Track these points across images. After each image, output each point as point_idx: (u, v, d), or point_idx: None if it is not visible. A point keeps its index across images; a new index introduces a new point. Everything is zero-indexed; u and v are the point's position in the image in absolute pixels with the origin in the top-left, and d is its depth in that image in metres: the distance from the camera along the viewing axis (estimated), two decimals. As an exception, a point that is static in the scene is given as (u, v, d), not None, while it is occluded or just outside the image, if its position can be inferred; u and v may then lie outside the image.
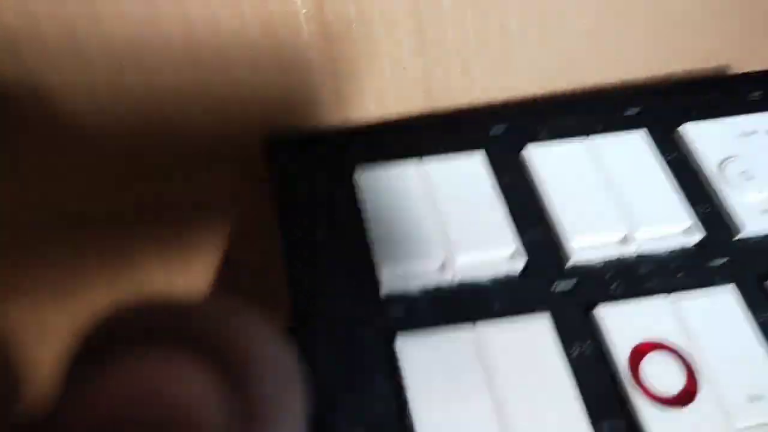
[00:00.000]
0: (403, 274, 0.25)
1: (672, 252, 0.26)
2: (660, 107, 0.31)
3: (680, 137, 0.30)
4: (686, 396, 0.23)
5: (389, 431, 0.22)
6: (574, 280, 0.25)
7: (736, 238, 0.27)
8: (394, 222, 0.26)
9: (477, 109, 0.32)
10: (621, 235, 0.26)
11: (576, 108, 0.31)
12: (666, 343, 0.24)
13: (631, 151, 0.29)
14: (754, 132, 0.30)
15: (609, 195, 0.27)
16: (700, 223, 0.27)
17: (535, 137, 0.29)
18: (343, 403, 0.22)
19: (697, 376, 0.23)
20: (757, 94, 0.32)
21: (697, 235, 0.27)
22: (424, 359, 0.23)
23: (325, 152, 0.29)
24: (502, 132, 0.30)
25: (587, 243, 0.26)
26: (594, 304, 0.25)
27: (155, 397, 0.10)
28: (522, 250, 0.26)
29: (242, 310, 0.12)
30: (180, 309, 0.12)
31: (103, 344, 0.11)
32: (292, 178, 0.28)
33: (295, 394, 0.12)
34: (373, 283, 0.25)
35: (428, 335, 0.24)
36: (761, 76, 0.33)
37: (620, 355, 0.23)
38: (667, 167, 0.28)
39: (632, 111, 0.31)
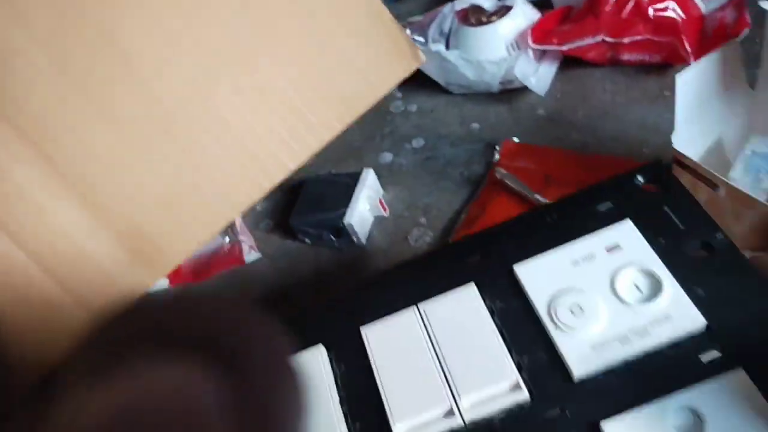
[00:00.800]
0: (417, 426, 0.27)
1: (501, 412, 0.26)
2: (495, 251, 0.31)
3: (512, 279, 0.30)
4: None
5: None
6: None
7: (569, 382, 0.26)
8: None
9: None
10: (445, 409, 0.27)
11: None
12: None
13: (461, 308, 0.29)
14: (591, 256, 0.29)
15: (435, 365, 0.28)
16: (526, 377, 0.27)
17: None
18: None
19: None
20: (605, 207, 0.31)
21: (524, 392, 0.26)
22: None
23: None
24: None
25: (410, 426, 0.27)
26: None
27: (166, 402, 0.11)
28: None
29: (251, 309, 0.13)
30: (192, 306, 0.12)
31: (115, 342, 0.12)
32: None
33: (300, 408, 0.12)
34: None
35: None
36: (606, 185, 0.32)
37: None
38: (491, 319, 0.28)
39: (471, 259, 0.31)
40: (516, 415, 0.26)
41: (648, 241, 0.29)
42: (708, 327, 0.26)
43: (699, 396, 0.24)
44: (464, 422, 0.26)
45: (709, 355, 0.25)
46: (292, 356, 0.13)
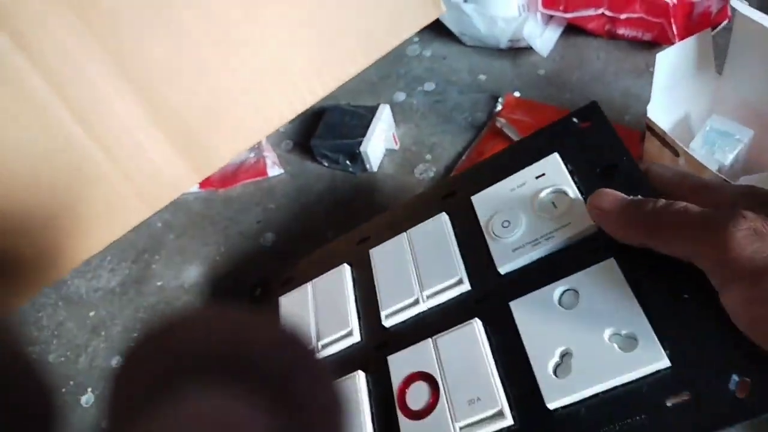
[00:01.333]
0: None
1: (450, 300, 0.37)
2: (463, 187, 0.41)
3: (471, 207, 0.40)
4: (429, 408, 0.34)
5: None
6: (385, 339, 0.38)
7: (497, 275, 0.36)
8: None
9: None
10: (413, 299, 0.38)
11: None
12: (425, 371, 0.35)
13: (435, 229, 0.40)
14: (522, 184, 0.38)
15: (411, 269, 0.39)
16: (469, 272, 0.37)
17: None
18: None
19: (440, 392, 0.34)
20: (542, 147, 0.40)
21: (466, 285, 0.37)
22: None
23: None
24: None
25: (393, 310, 0.39)
26: (391, 353, 0.37)
27: None
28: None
29: (290, 331, 0.12)
30: (229, 328, 0.12)
31: (154, 374, 0.11)
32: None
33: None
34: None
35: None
36: (540, 133, 0.40)
37: (396, 384, 0.36)
38: (453, 234, 0.39)
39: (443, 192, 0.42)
40: (458, 300, 0.37)
41: (568, 168, 0.37)
42: (599, 229, 0.34)
43: (579, 279, 0.33)
44: (425, 308, 0.38)
45: (593, 250, 0.34)
46: (335, 381, 0.13)
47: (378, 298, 0.40)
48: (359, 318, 0.40)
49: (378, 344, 0.39)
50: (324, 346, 0.40)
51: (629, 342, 0.30)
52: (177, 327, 0.12)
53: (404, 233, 0.42)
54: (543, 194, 0.37)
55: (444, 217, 0.40)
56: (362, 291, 0.41)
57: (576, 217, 0.35)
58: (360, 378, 0.37)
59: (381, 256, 0.42)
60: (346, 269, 0.43)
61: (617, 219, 0.32)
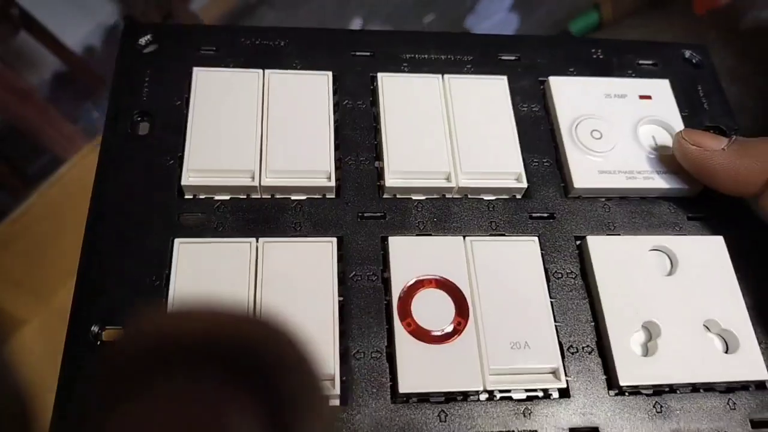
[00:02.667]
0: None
1: (495, 198, 0.26)
2: (537, 57, 0.30)
3: (547, 89, 0.29)
4: (446, 334, 0.23)
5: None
6: (384, 209, 0.25)
7: (566, 195, 0.27)
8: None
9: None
10: (446, 172, 0.26)
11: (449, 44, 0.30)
12: (451, 281, 0.24)
13: (489, 93, 0.28)
14: (623, 95, 0.29)
15: (447, 131, 0.27)
16: (529, 173, 0.27)
17: (398, 68, 0.29)
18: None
19: (469, 318, 0.23)
20: (646, 62, 0.31)
21: (522, 185, 0.26)
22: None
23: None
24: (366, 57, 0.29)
25: (406, 176, 0.26)
26: (393, 235, 0.25)
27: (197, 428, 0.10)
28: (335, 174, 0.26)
29: (281, 328, 0.12)
30: (226, 327, 0.11)
31: (147, 361, 0.11)
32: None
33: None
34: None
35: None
36: (648, 46, 0.31)
37: (398, 287, 0.23)
38: (512, 115, 0.28)
39: (508, 56, 0.30)
40: (508, 202, 0.26)
41: (677, 106, 0.29)
42: (704, 191, 0.27)
43: (680, 244, 0.25)
44: (457, 187, 0.26)
45: (698, 218, 0.27)
46: (322, 382, 0.12)
47: (382, 146, 0.26)
48: (338, 158, 0.26)
49: (369, 214, 0.25)
50: (278, 184, 0.25)
51: (726, 339, 0.24)
52: (171, 317, 0.11)
53: (439, 76, 0.28)
54: (647, 122, 0.28)
55: (503, 83, 0.29)
56: (351, 121, 0.27)
57: (678, 168, 0.27)
58: (332, 248, 0.24)
59: (395, 91, 0.28)
60: (326, 78, 0.28)
61: (729, 158, 0.25)
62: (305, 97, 0.27)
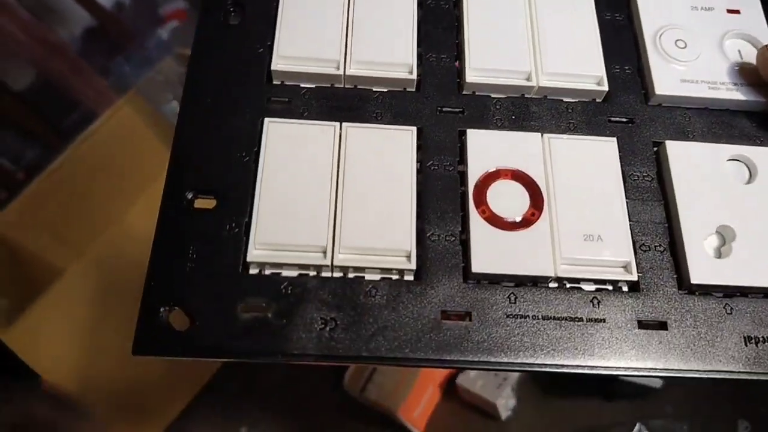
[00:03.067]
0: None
1: (574, 100, 0.26)
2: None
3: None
4: (519, 222, 0.23)
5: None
6: (463, 105, 0.26)
7: (646, 101, 0.26)
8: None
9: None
10: (527, 72, 0.26)
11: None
12: (524, 171, 0.24)
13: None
14: (710, 8, 0.28)
15: (529, 32, 0.27)
16: (610, 79, 0.26)
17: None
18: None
19: (543, 209, 0.24)
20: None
21: (603, 88, 0.26)
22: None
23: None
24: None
25: (487, 73, 0.26)
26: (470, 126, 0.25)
27: None
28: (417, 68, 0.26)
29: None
30: None
31: None
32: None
33: None
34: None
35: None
36: None
37: (475, 176, 0.24)
38: (596, 21, 0.27)
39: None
40: (588, 105, 0.26)
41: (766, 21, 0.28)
42: (788, 109, 0.26)
43: (759, 153, 0.25)
44: (537, 86, 0.26)
45: (779, 130, 0.26)
46: None
47: (464, 44, 0.27)
48: (420, 54, 0.27)
49: (448, 108, 0.26)
50: (357, 74, 0.26)
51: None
52: None
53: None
54: (734, 35, 0.28)
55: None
56: (434, 19, 0.28)
57: (763, 82, 0.27)
58: (412, 136, 0.25)
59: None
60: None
61: None
62: (388, -5, 0.27)
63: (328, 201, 0.23)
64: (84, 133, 0.49)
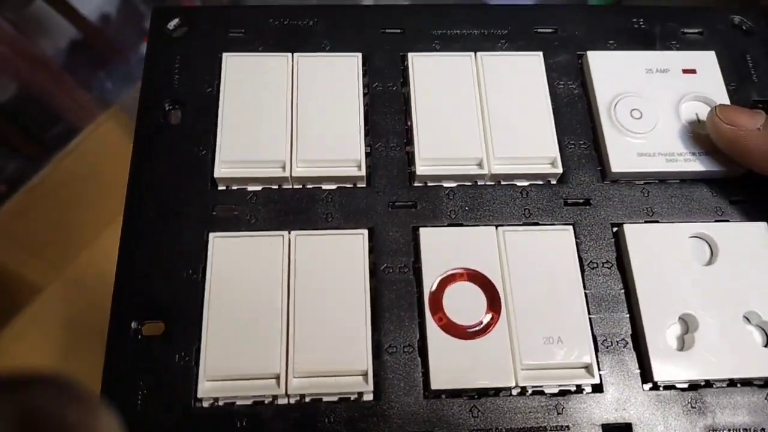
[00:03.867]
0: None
1: (528, 183, 0.26)
2: (576, 29, 0.29)
3: (585, 64, 0.28)
4: (479, 329, 0.23)
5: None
6: (415, 198, 0.25)
7: (603, 179, 0.26)
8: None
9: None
10: (478, 158, 0.25)
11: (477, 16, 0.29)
12: (484, 274, 0.24)
13: (524, 72, 0.27)
14: (665, 70, 0.28)
15: (479, 115, 0.26)
16: (565, 158, 0.26)
17: (430, 45, 0.28)
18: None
19: (501, 312, 0.23)
20: (691, 31, 0.29)
21: (557, 170, 0.25)
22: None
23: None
24: (395, 34, 0.28)
25: (437, 163, 0.25)
26: (423, 225, 0.24)
27: None
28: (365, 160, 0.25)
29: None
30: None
31: None
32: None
33: None
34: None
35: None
36: (693, 13, 0.29)
37: (430, 280, 0.23)
38: (548, 97, 0.27)
39: (544, 29, 0.29)
40: (542, 188, 0.25)
41: (723, 80, 0.28)
42: (743, 174, 0.26)
43: (720, 231, 0.25)
44: (489, 173, 0.25)
45: (740, 201, 0.26)
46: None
47: (413, 131, 0.26)
48: (369, 144, 0.26)
49: (400, 203, 0.25)
50: (301, 174, 0.25)
51: (767, 331, 0.24)
52: None
53: (471, 54, 0.27)
54: (690, 98, 0.27)
55: (539, 59, 0.27)
56: (381, 105, 0.27)
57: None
58: (363, 240, 0.24)
59: (425, 72, 0.27)
60: (356, 59, 0.27)
61: (764, 139, 0.24)
62: (335, 80, 0.26)
63: (279, 322, 0.22)
64: (66, 149, 0.48)
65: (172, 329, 0.23)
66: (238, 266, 0.23)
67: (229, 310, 0.23)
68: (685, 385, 0.23)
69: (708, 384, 0.23)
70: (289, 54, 0.27)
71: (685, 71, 0.27)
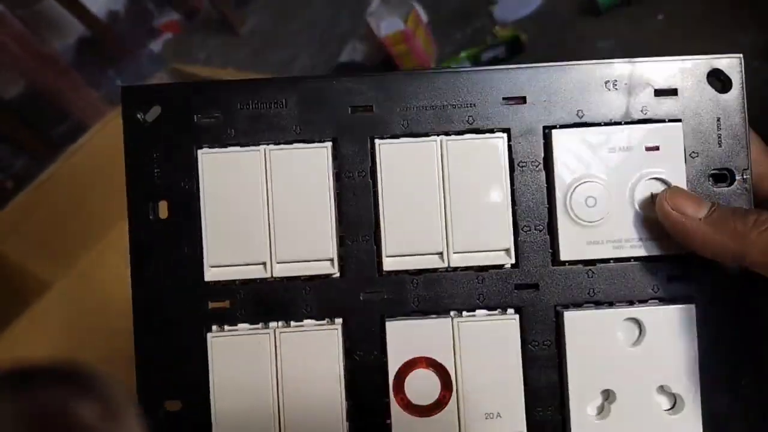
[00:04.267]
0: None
1: (484, 272, 0.29)
2: (543, 93, 0.28)
3: (549, 141, 0.28)
4: (432, 407, 0.28)
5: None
6: (383, 290, 0.28)
7: (553, 263, 0.29)
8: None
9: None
10: (437, 250, 0.28)
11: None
12: (435, 359, 0.28)
13: (486, 156, 0.28)
14: (628, 148, 0.28)
15: (441, 208, 0.28)
16: (519, 243, 0.28)
17: (400, 124, 0.28)
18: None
19: (452, 392, 0.28)
20: (665, 88, 0.29)
21: (510, 260, 0.28)
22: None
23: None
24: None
25: (403, 257, 0.28)
26: (391, 317, 0.28)
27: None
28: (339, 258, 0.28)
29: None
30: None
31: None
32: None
33: None
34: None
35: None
36: (669, 67, 0.29)
37: (395, 363, 0.28)
38: (508, 186, 0.28)
39: (511, 97, 0.29)
40: (498, 275, 0.29)
41: (685, 154, 0.28)
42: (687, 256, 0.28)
43: (651, 315, 0.28)
44: (449, 266, 0.28)
45: (677, 277, 0.28)
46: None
47: (380, 227, 0.28)
48: (339, 244, 0.28)
49: (369, 292, 0.29)
50: (282, 271, 0.28)
51: (674, 401, 0.28)
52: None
53: (436, 139, 0.28)
54: (648, 180, 0.28)
55: (498, 142, 0.28)
56: (353, 203, 0.29)
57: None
58: (338, 333, 0.28)
59: (392, 160, 0.28)
60: (325, 150, 0.28)
61: (706, 230, 0.26)
62: (305, 173, 0.28)
63: (271, 415, 0.28)
64: (74, 145, 0.50)
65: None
66: (235, 363, 0.28)
67: (234, 409, 0.28)
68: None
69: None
70: (262, 147, 0.28)
71: (648, 149, 0.28)
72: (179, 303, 0.28)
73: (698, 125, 0.28)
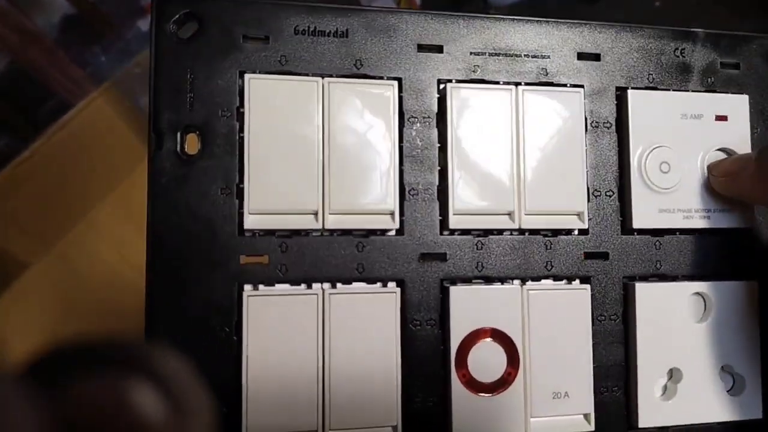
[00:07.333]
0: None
1: (554, 236, 0.26)
2: (618, 56, 0.27)
3: (624, 102, 0.27)
4: (497, 384, 0.25)
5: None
6: (445, 249, 0.25)
7: (623, 231, 0.27)
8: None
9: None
10: (507, 209, 0.25)
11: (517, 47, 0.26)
12: (506, 332, 0.25)
13: (561, 111, 0.26)
14: (699, 116, 0.27)
15: (515, 162, 0.25)
16: (591, 209, 0.26)
17: (469, 67, 0.26)
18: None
19: (519, 370, 0.25)
20: (729, 61, 0.28)
21: (583, 225, 0.26)
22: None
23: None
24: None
25: (470, 214, 0.25)
26: (454, 282, 0.25)
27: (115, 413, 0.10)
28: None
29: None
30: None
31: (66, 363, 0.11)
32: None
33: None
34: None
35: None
36: (729, 42, 0.28)
37: (456, 338, 0.25)
38: (584, 149, 0.26)
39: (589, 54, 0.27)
40: (567, 242, 0.26)
41: (750, 125, 0.28)
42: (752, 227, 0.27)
43: (718, 291, 0.27)
44: (519, 227, 0.25)
45: (742, 251, 0.28)
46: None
47: (447, 180, 0.25)
48: (401, 197, 0.25)
49: (430, 253, 0.25)
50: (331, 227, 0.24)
51: (736, 382, 0.27)
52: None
53: (512, 88, 0.26)
54: (716, 149, 0.27)
55: (579, 96, 0.26)
56: (417, 144, 0.25)
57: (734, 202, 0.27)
58: (396, 298, 0.24)
59: (463, 107, 0.25)
60: (391, 88, 0.25)
61: (755, 174, 0.25)
62: (369, 115, 0.25)
63: (315, 381, 0.24)
64: (56, 124, 0.46)
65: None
66: (273, 325, 0.23)
67: (268, 374, 0.23)
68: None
69: (688, 431, 0.27)
70: (319, 79, 0.24)
71: (717, 118, 0.27)
72: (204, 257, 0.23)
73: (760, 98, 0.28)
